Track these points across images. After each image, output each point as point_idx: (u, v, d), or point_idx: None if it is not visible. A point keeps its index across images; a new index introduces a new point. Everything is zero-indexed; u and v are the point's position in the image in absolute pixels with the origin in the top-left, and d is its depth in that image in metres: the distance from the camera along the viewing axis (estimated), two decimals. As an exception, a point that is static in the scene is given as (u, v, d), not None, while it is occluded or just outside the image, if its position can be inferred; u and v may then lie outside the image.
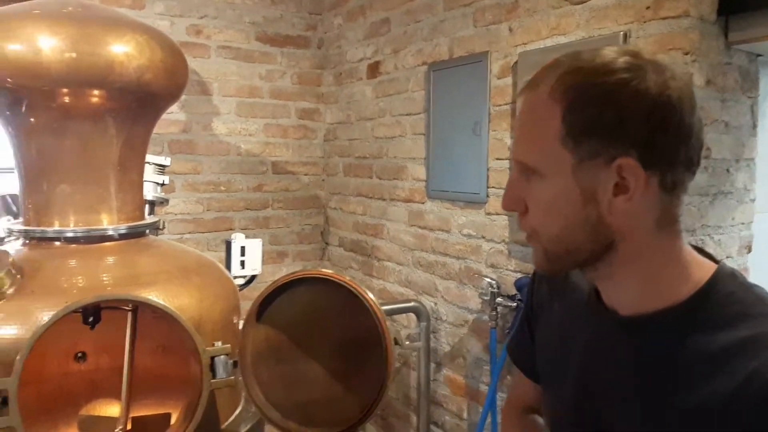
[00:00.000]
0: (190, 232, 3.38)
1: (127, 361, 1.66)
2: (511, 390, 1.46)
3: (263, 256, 2.62)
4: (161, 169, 2.19)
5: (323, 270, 1.71)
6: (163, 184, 2.20)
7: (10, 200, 2.05)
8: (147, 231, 1.88)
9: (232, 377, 1.56)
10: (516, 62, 2.33)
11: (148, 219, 1.90)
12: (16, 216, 2.01)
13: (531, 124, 0.88)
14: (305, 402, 1.67)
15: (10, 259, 1.52)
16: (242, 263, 2.55)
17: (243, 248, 2.55)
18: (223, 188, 3.48)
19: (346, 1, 3.49)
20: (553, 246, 0.89)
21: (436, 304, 2.88)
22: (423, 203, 2.92)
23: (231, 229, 3.52)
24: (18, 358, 1.34)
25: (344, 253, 3.70)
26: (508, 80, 2.38)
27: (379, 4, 3.18)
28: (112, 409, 1.77)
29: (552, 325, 1.08)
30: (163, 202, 2.22)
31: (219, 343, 1.57)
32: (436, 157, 2.78)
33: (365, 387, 1.64)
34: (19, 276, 1.53)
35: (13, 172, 2.59)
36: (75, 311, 1.44)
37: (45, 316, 1.50)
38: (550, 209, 0.87)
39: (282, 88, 3.63)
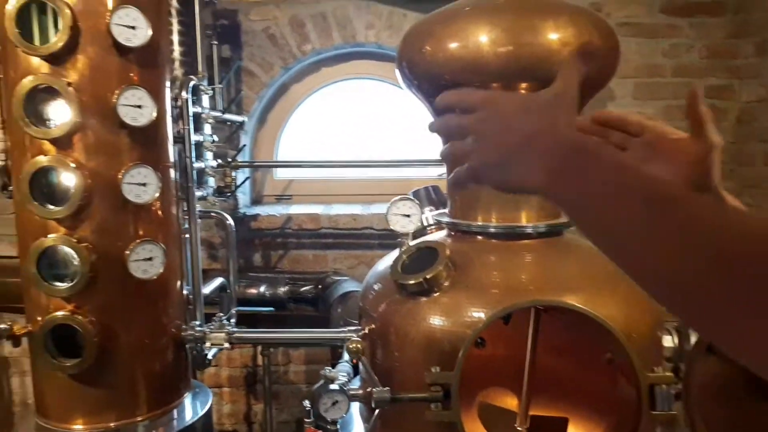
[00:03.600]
0: (575, 225, 3.23)
1: (529, 360, 1.61)
2: None
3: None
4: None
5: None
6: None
7: (432, 191, 2.19)
8: (564, 230, 1.76)
9: (675, 412, 1.33)
10: None
11: (565, 217, 1.78)
12: (436, 206, 2.14)
13: None
14: (762, 457, 1.35)
15: (448, 253, 1.56)
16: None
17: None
18: (613, 179, 3.22)
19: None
20: None
21: None
22: None
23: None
24: (460, 354, 1.35)
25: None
26: None
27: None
28: (506, 398, 1.75)
29: None
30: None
31: (660, 369, 1.36)
32: None
33: None
34: (453, 269, 1.57)
35: (431, 164, 2.87)
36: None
37: (474, 313, 1.52)
38: None
39: (687, 64, 3.15)
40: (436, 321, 1.55)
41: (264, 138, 3.37)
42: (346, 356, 1.96)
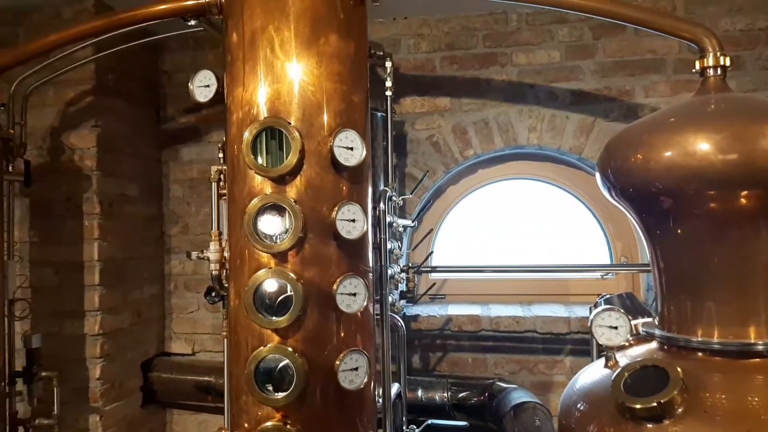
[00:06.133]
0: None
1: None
2: None
3: None
4: (786, 268, 1.88)
5: None
6: (789, 287, 1.87)
7: (626, 299, 2.09)
8: (800, 348, 1.58)
9: None
10: None
11: (800, 333, 1.60)
12: (633, 316, 2.02)
13: None
14: None
15: (681, 375, 1.44)
16: None
17: None
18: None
19: None
20: None
21: None
22: None
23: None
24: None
25: None
26: None
27: None
28: None
29: None
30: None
31: None
32: None
33: None
34: (685, 394, 1.44)
35: (589, 270, 2.78)
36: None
37: (719, 442, 1.37)
38: None
39: None
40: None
41: (419, 238, 3.42)
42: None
